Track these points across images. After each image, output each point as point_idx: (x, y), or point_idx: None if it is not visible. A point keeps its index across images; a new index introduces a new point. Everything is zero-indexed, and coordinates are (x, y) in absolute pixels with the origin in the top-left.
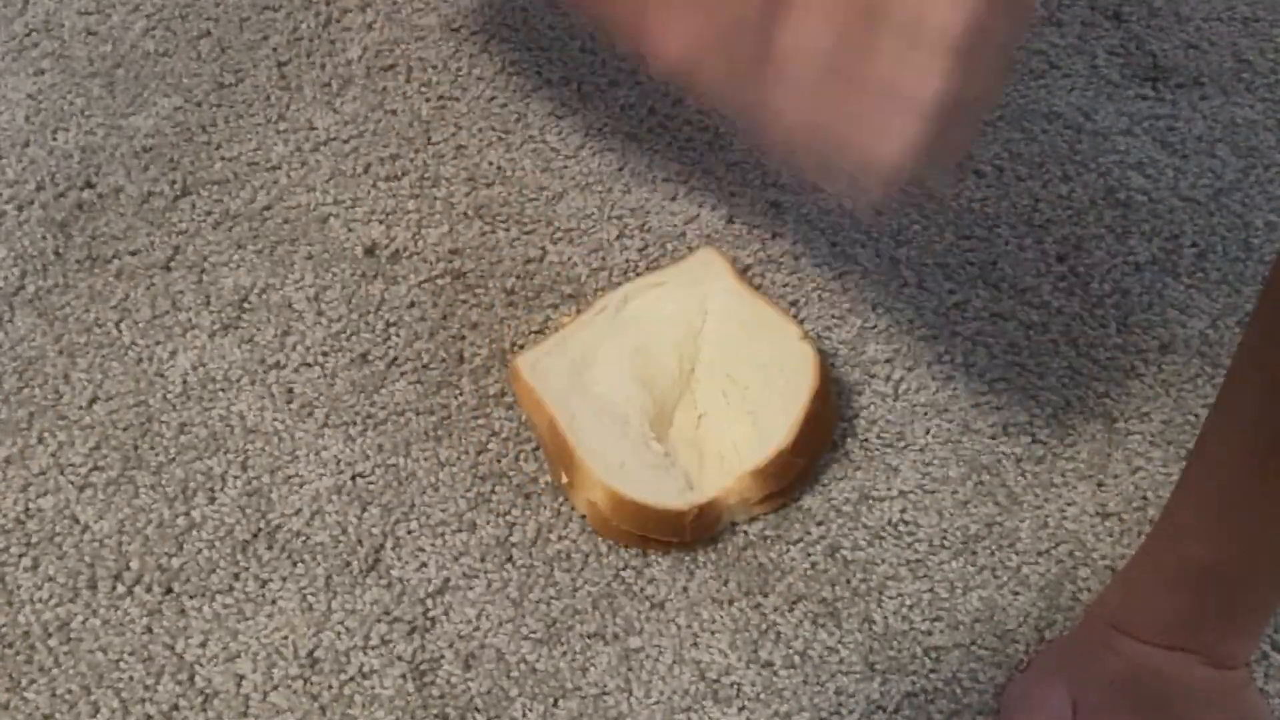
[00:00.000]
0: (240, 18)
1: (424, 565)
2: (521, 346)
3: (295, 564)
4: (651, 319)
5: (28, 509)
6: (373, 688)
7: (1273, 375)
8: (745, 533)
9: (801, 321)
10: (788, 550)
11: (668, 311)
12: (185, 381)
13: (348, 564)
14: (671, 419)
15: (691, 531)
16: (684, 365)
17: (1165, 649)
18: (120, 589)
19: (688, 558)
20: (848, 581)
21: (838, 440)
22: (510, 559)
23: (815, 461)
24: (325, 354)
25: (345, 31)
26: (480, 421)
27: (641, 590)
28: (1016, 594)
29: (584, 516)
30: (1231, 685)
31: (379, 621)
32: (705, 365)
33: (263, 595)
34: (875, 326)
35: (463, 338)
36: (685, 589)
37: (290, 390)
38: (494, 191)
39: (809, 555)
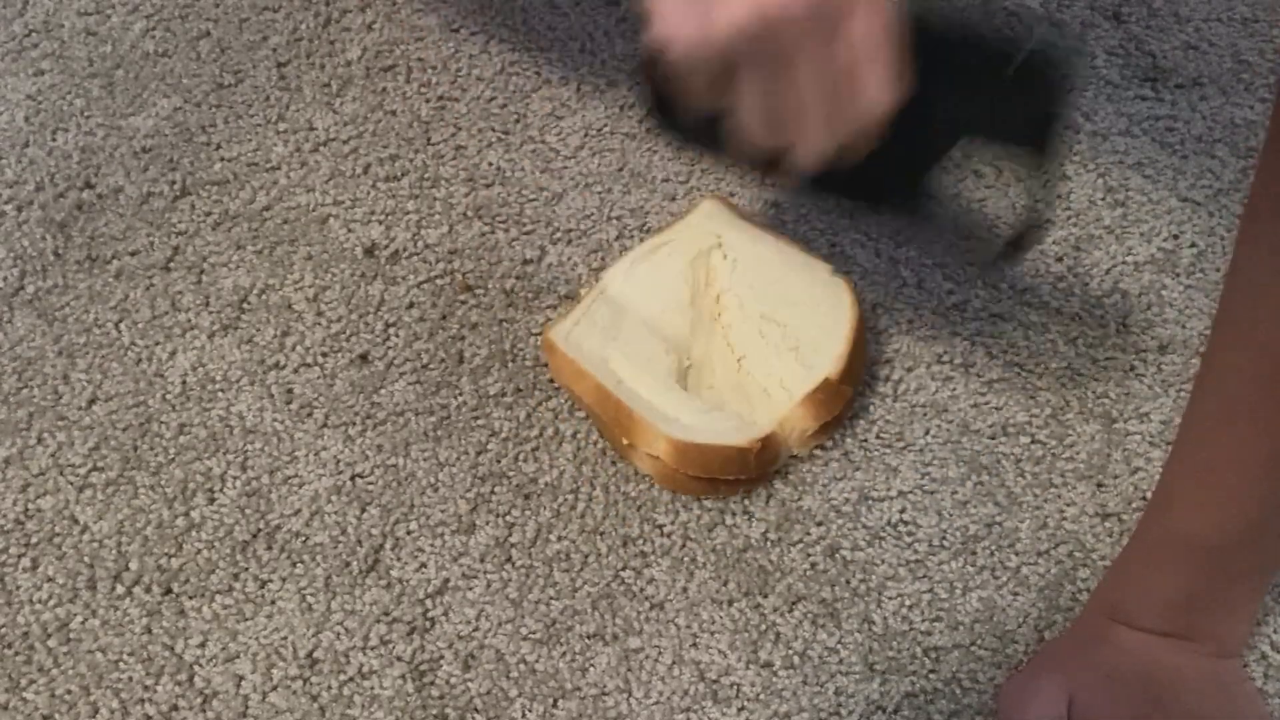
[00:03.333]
0: (240, 18)
1: (423, 566)
2: (547, 321)
3: (295, 564)
4: (666, 276)
5: (27, 509)
6: (372, 688)
7: (1256, 338)
8: (745, 534)
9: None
10: (788, 551)
11: (678, 266)
12: (185, 382)
13: (347, 564)
14: (713, 366)
15: (756, 466)
16: (710, 313)
17: (1161, 636)
18: (120, 589)
19: (687, 559)
20: (848, 582)
21: (837, 440)
22: (510, 559)
23: (857, 391)
24: (325, 354)
25: (345, 32)
26: (480, 421)
27: (641, 590)
28: (1016, 594)
29: (648, 476)
30: (1228, 676)
31: (378, 622)
32: (734, 309)
33: (262, 596)
34: (875, 326)
35: (462, 338)
36: (685, 589)
37: (290, 390)
38: (494, 191)
39: (809, 555)
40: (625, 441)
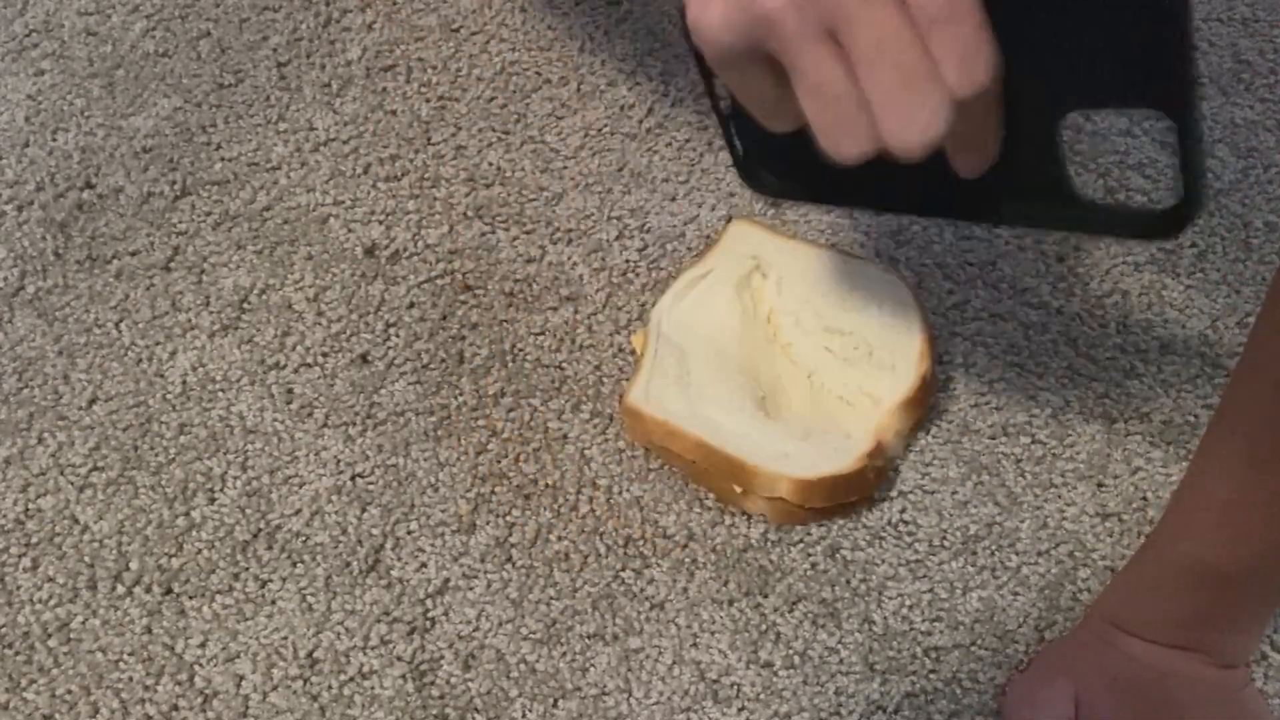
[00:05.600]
0: (240, 18)
1: (424, 566)
2: (620, 383)
3: (295, 564)
4: (715, 309)
5: (28, 509)
6: (372, 688)
7: (1277, 378)
8: (745, 534)
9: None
10: (788, 551)
11: (724, 296)
12: (185, 382)
13: (347, 564)
14: (785, 390)
15: (874, 482)
16: (767, 335)
17: (1168, 648)
18: (120, 589)
19: (688, 559)
20: (848, 582)
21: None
22: (510, 559)
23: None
24: (325, 354)
25: (345, 32)
26: (480, 421)
27: (641, 591)
28: (1016, 594)
29: (762, 517)
30: (1233, 684)
31: (379, 622)
32: (790, 328)
33: (262, 596)
34: None
35: (463, 338)
36: (685, 589)
37: (290, 391)
38: (494, 192)
39: (809, 555)
40: (739, 489)
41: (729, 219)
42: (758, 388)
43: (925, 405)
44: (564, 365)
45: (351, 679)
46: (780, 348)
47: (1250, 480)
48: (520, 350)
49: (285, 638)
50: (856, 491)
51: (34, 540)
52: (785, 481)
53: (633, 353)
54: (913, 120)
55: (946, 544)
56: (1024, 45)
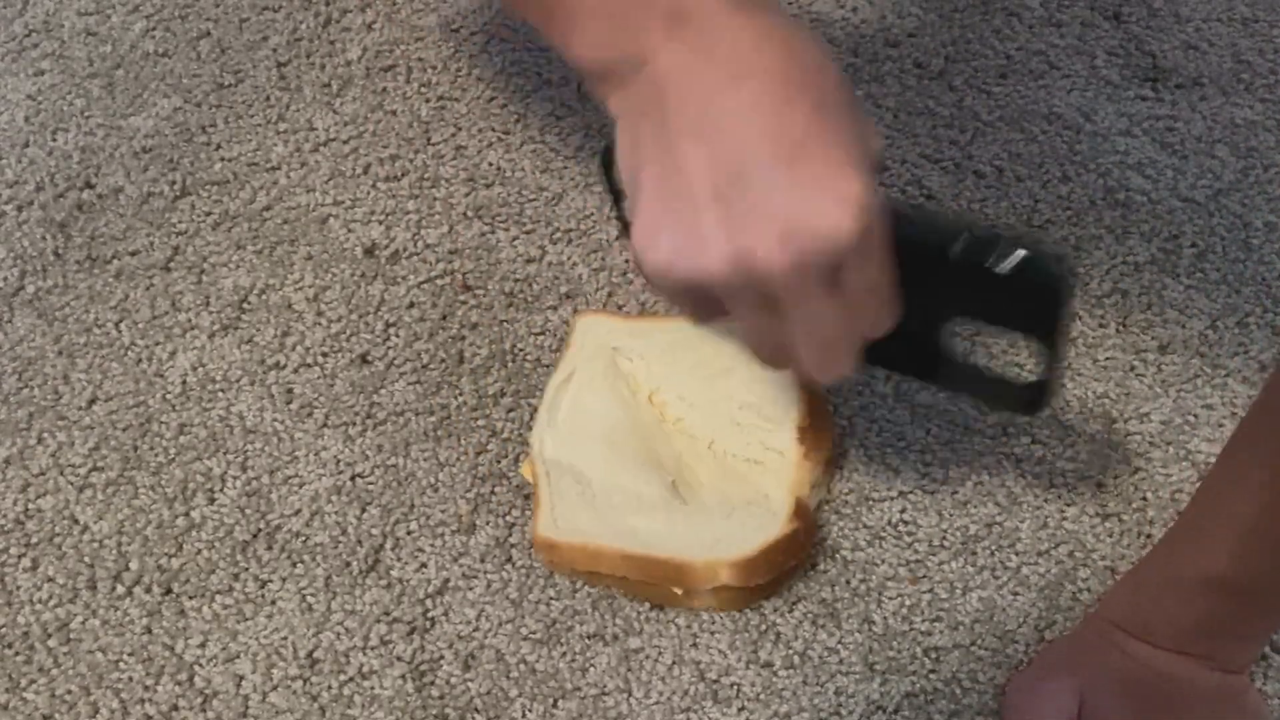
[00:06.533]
0: (240, 18)
1: (424, 566)
2: (521, 520)
3: (295, 564)
4: (592, 409)
5: (27, 509)
6: (372, 688)
7: None
8: None
9: None
10: None
11: (601, 392)
12: (185, 382)
13: (347, 564)
14: (692, 467)
15: (806, 541)
16: (655, 418)
17: (1173, 653)
18: (120, 589)
19: None
20: (848, 582)
21: (837, 440)
22: (510, 559)
23: (834, 401)
24: (325, 354)
25: (345, 32)
26: (480, 422)
27: None
28: (1016, 594)
29: (710, 609)
30: (1235, 688)
31: (378, 622)
32: (675, 403)
33: (262, 596)
34: None
35: (462, 338)
36: None
37: (290, 391)
38: (494, 192)
39: (809, 555)
40: (679, 591)
41: (575, 312)
42: (665, 474)
43: (826, 443)
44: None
45: (351, 679)
46: (672, 425)
47: (1275, 504)
48: (520, 350)
49: (285, 638)
50: (794, 555)
51: (34, 540)
52: (725, 568)
53: (525, 485)
54: (828, 371)
55: (946, 544)
56: (926, 286)
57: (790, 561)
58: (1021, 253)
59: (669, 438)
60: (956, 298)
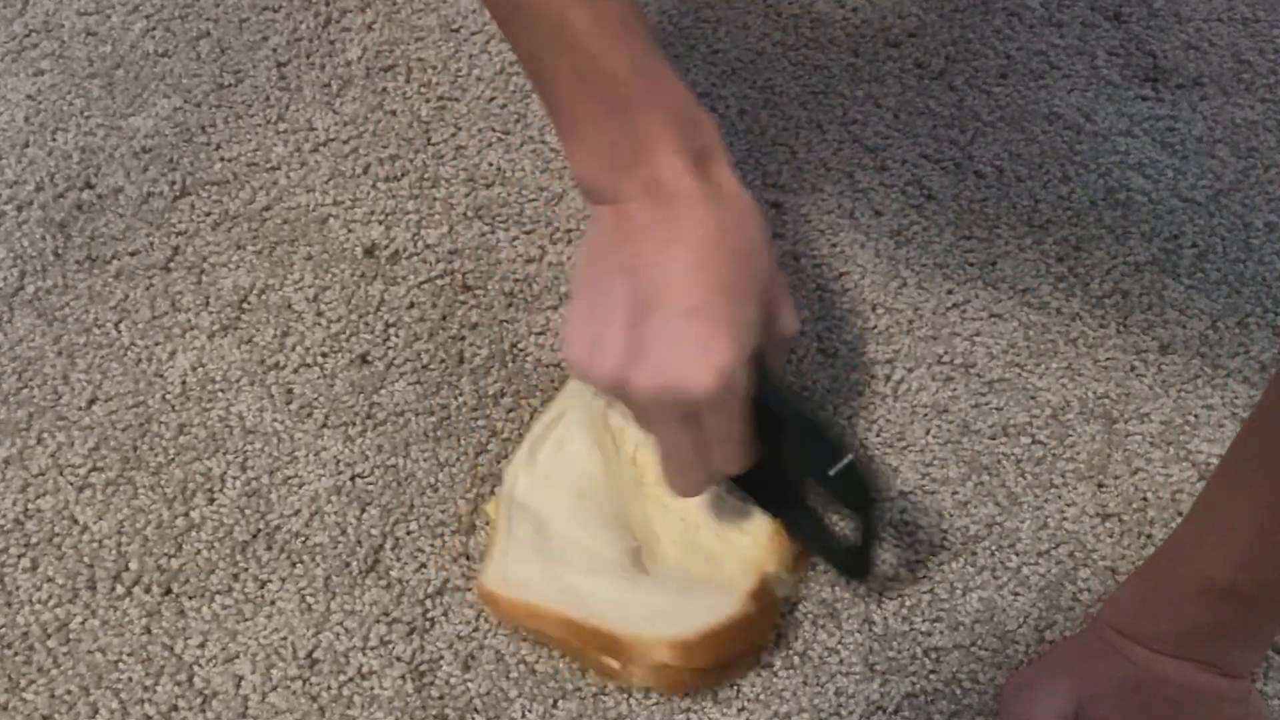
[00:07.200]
0: (240, 18)
1: (423, 566)
2: (471, 563)
3: (294, 565)
4: (572, 457)
5: (27, 509)
6: (372, 688)
7: None
8: None
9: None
10: None
11: (581, 442)
12: (184, 382)
13: (347, 565)
14: (658, 534)
15: (766, 625)
16: (633, 478)
17: (1175, 658)
18: (119, 590)
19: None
20: (847, 582)
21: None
22: None
23: None
24: (325, 355)
25: (345, 32)
26: (480, 422)
27: None
28: (1016, 594)
29: (646, 689)
30: (1237, 692)
31: (378, 622)
32: (651, 469)
33: (262, 596)
34: (875, 326)
35: (462, 338)
36: None
37: (290, 391)
38: (494, 192)
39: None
40: (615, 664)
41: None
42: (630, 538)
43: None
44: (564, 365)
45: (351, 679)
46: (649, 490)
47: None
48: (520, 350)
49: (285, 638)
50: (747, 639)
51: (33, 540)
52: (663, 646)
53: (487, 523)
54: (680, 488)
55: (946, 544)
56: (782, 450)
57: (738, 649)
58: (849, 458)
59: (643, 502)
60: (803, 469)
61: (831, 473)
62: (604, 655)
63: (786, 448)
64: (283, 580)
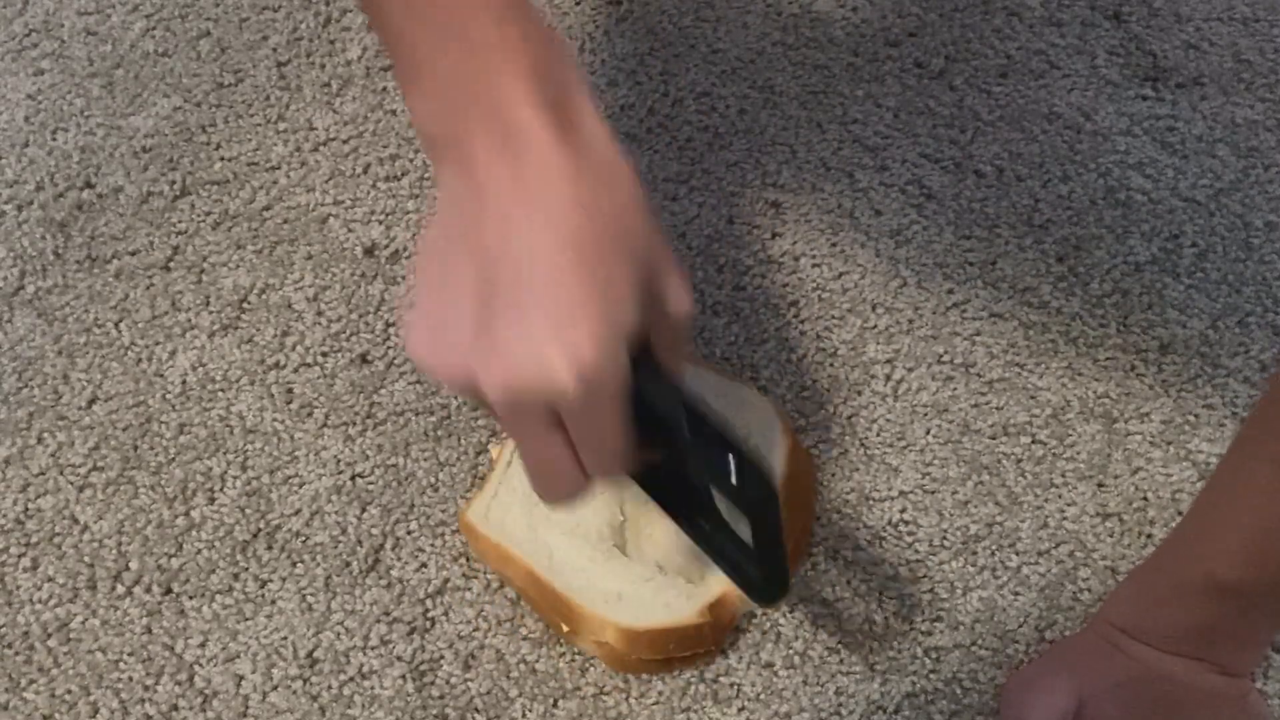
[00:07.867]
0: (240, 18)
1: (424, 566)
2: (465, 498)
3: (295, 564)
4: None
5: (27, 509)
6: (372, 688)
7: None
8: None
9: (802, 323)
10: None
11: None
12: (185, 382)
13: (347, 564)
14: (649, 516)
15: (712, 638)
16: None
17: (1176, 656)
18: (120, 589)
19: None
20: (848, 582)
21: (837, 440)
22: None
23: (809, 535)
24: (325, 354)
25: (345, 31)
26: (480, 422)
27: None
28: (1016, 594)
29: (593, 658)
30: (1238, 690)
31: (378, 622)
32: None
33: (262, 595)
34: (875, 326)
35: None
36: None
37: (290, 390)
38: None
39: (809, 555)
40: (565, 628)
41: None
42: (617, 512)
43: (796, 543)
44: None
45: (351, 679)
46: None
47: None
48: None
49: (285, 638)
50: (692, 646)
51: (34, 540)
52: (611, 628)
53: (490, 463)
54: (549, 496)
55: (947, 544)
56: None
57: (683, 653)
58: (737, 456)
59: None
60: (708, 475)
61: (734, 480)
62: (557, 617)
63: (683, 451)
64: (283, 580)
